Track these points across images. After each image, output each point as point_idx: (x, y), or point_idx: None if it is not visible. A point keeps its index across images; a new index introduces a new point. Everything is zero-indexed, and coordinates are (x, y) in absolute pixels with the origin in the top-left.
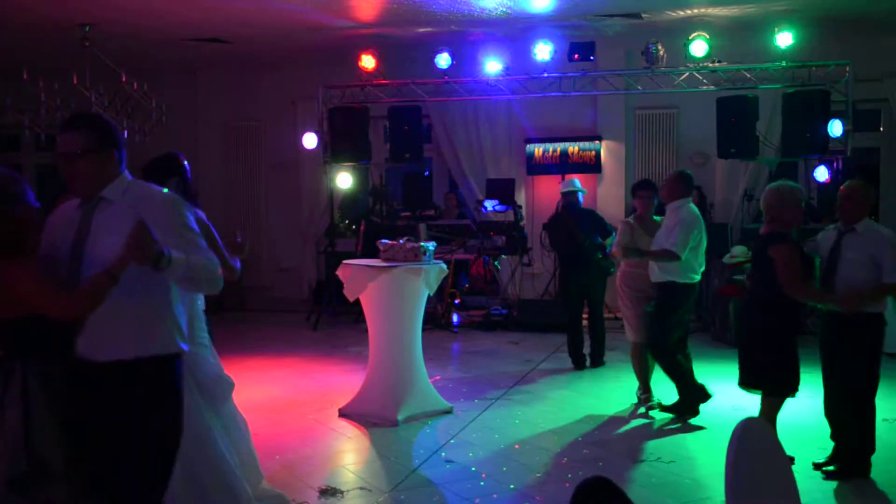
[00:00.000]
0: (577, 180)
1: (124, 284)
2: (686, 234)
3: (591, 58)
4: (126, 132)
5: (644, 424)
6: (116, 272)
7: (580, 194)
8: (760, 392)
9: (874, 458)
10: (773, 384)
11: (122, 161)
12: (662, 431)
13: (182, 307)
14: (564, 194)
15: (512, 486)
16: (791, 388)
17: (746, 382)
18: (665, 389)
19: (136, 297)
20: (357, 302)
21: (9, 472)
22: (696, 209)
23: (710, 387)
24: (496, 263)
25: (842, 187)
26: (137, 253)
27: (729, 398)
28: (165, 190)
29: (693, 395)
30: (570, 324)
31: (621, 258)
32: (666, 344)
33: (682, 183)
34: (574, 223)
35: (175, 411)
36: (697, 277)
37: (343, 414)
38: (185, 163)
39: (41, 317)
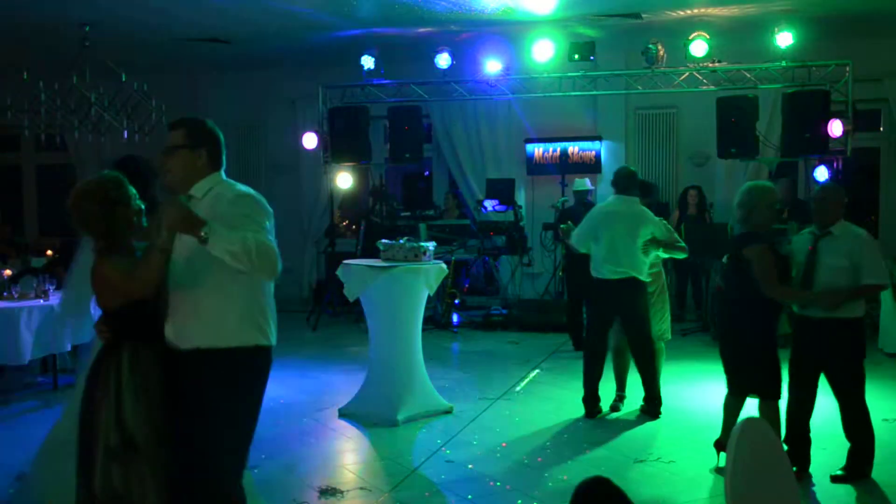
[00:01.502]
0: (588, 180)
1: (201, 278)
2: (582, 225)
3: (591, 58)
4: (126, 132)
5: (644, 424)
6: (163, 245)
7: (591, 194)
8: (757, 397)
9: (875, 458)
10: (769, 386)
11: (215, 161)
12: (662, 431)
13: (264, 304)
14: (577, 193)
15: (511, 486)
16: (780, 386)
17: (740, 391)
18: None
19: (211, 291)
20: (357, 302)
21: (104, 442)
22: (616, 206)
23: (709, 387)
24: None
25: (816, 190)
26: (175, 221)
27: None
28: (242, 188)
29: (585, 399)
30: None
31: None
32: (588, 339)
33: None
34: None
35: (241, 402)
36: (604, 273)
37: (343, 414)
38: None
39: (139, 306)
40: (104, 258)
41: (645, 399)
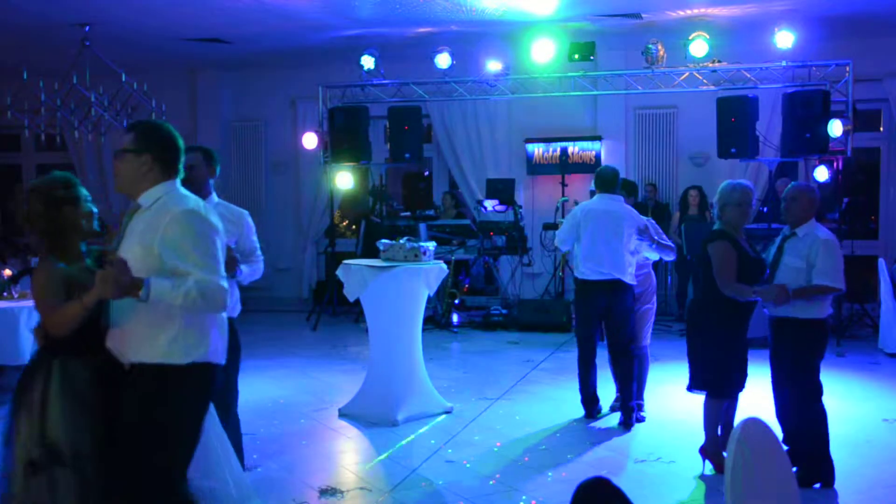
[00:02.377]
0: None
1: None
2: (564, 225)
3: (591, 58)
4: None
5: (644, 425)
6: (87, 303)
7: None
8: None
9: (875, 458)
10: (715, 385)
11: (166, 169)
12: (662, 431)
13: (206, 321)
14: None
15: (511, 486)
16: (732, 388)
17: (692, 384)
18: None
19: (149, 306)
20: (357, 302)
21: (27, 457)
22: (604, 204)
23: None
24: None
25: (787, 190)
26: (109, 289)
27: None
28: (191, 204)
29: (582, 401)
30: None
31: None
32: (577, 340)
33: (594, 179)
34: None
35: (170, 420)
36: (587, 274)
37: (343, 414)
38: None
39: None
40: (43, 262)
41: (620, 407)
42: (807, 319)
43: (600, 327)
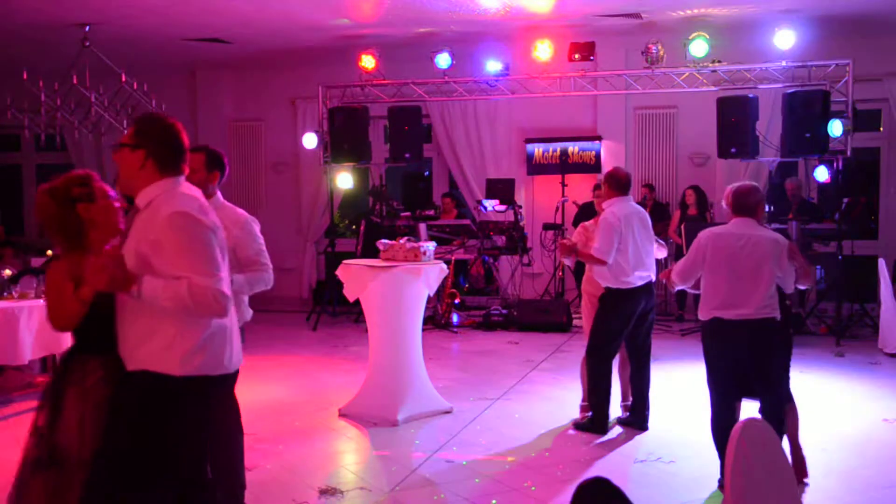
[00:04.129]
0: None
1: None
2: (605, 236)
3: (591, 58)
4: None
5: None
6: (82, 296)
7: None
8: None
9: (875, 458)
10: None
11: (164, 166)
12: (662, 431)
13: (200, 332)
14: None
15: (511, 486)
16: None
17: None
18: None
19: (143, 311)
20: (357, 302)
21: (35, 452)
22: (631, 207)
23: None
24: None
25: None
26: (100, 280)
27: None
28: (183, 205)
29: (597, 418)
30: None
31: (562, 255)
32: (595, 351)
33: (609, 181)
34: None
35: (146, 431)
36: (637, 282)
37: (343, 414)
38: None
39: (95, 318)
40: (55, 262)
41: (633, 410)
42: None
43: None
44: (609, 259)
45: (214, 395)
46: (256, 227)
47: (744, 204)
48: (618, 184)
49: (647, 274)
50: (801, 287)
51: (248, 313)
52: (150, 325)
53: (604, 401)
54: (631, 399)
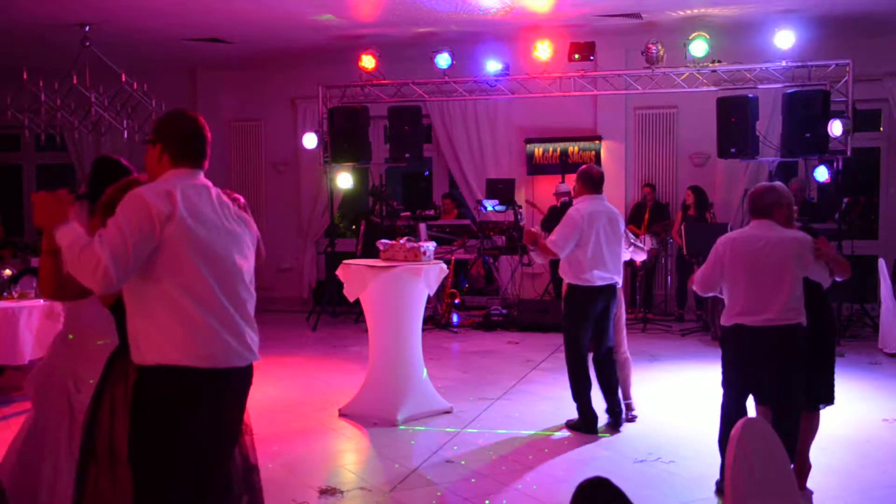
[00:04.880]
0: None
1: (128, 286)
2: (564, 229)
3: (591, 58)
4: (126, 132)
5: (644, 424)
6: (46, 246)
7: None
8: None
9: (875, 458)
10: None
11: (175, 158)
12: (662, 431)
13: (175, 315)
14: (564, 194)
15: (511, 486)
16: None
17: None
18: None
19: (134, 301)
20: (357, 302)
21: (102, 447)
22: (600, 206)
23: (709, 387)
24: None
25: None
26: (37, 214)
27: None
28: (148, 187)
29: (584, 418)
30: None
31: (526, 241)
32: (567, 351)
33: (581, 178)
34: None
35: (137, 427)
36: (596, 281)
37: (343, 414)
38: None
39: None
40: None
41: (609, 412)
42: (568, 284)
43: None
44: (561, 252)
45: (192, 389)
46: None
47: (758, 205)
48: (590, 181)
49: (610, 276)
50: (839, 279)
51: None
52: (129, 311)
53: (585, 400)
54: (629, 399)
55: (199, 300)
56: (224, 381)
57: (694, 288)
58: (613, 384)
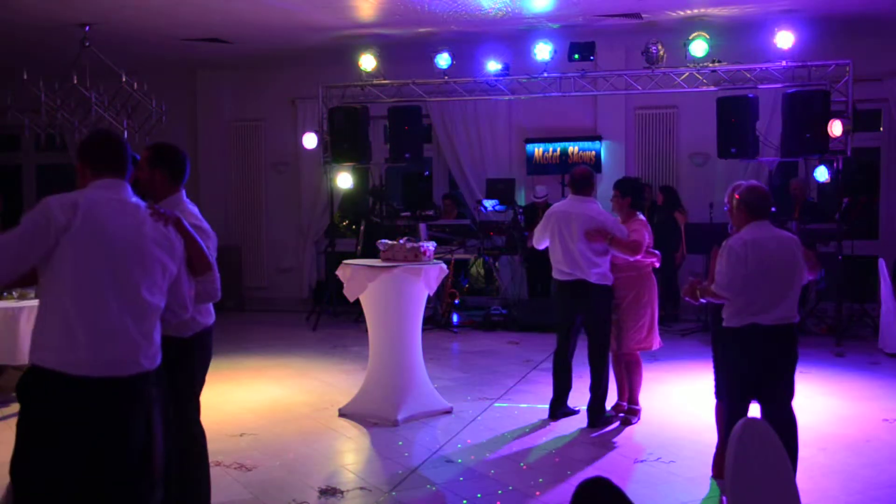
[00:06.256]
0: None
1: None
2: (539, 225)
3: (591, 58)
4: (126, 132)
5: (644, 424)
6: None
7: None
8: None
9: (875, 458)
10: None
11: (92, 172)
12: (663, 431)
13: (54, 315)
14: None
15: (511, 486)
16: None
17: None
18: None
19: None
20: (357, 302)
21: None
22: (568, 206)
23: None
24: (496, 264)
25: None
26: None
27: None
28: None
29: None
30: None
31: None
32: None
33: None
34: None
35: (21, 433)
36: (560, 276)
37: (343, 414)
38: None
39: None
40: None
41: (588, 406)
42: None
43: (576, 328)
44: (535, 244)
45: (63, 395)
46: (209, 243)
47: (759, 207)
48: (570, 182)
49: (570, 271)
50: (810, 278)
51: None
52: (38, 319)
53: (554, 390)
54: (626, 398)
55: (83, 308)
56: (100, 390)
57: (719, 292)
58: (595, 381)
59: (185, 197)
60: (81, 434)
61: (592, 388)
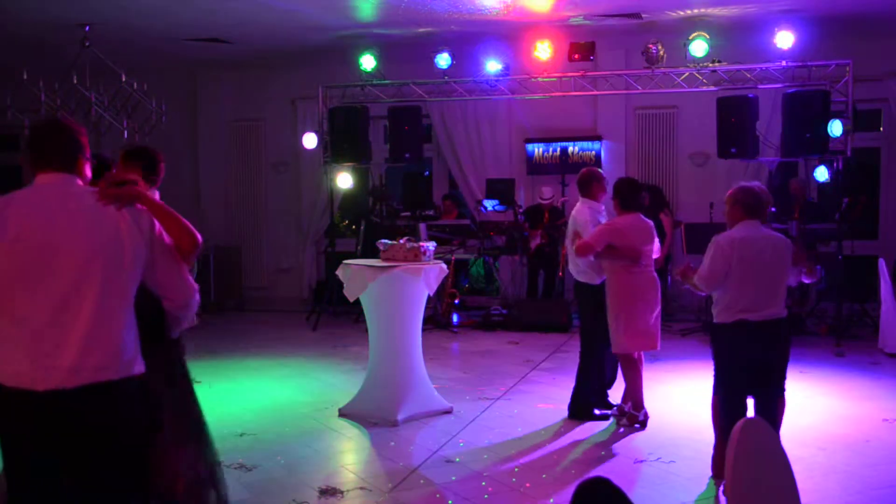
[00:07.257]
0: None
1: None
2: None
3: (591, 58)
4: (126, 132)
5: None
6: None
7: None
8: None
9: (875, 458)
10: None
11: (33, 168)
12: (662, 431)
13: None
14: (549, 199)
15: (512, 486)
16: None
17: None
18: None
19: None
20: (357, 302)
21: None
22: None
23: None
24: (496, 264)
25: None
26: None
27: None
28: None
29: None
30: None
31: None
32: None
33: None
34: None
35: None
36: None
37: (343, 414)
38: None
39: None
40: None
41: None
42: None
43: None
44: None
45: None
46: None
47: (755, 206)
48: (578, 184)
49: (573, 271)
50: (807, 281)
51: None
52: None
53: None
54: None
55: (15, 317)
56: (37, 403)
57: (699, 283)
58: (577, 374)
59: (158, 199)
60: (26, 444)
61: (578, 386)
